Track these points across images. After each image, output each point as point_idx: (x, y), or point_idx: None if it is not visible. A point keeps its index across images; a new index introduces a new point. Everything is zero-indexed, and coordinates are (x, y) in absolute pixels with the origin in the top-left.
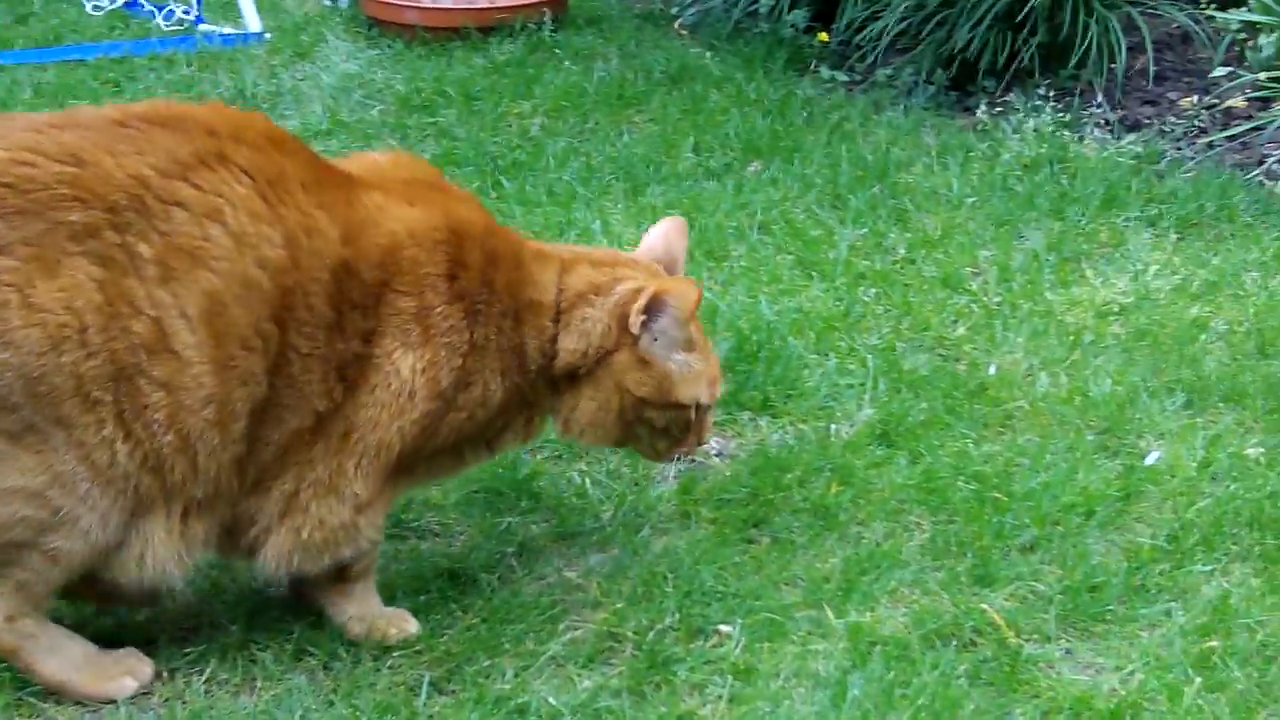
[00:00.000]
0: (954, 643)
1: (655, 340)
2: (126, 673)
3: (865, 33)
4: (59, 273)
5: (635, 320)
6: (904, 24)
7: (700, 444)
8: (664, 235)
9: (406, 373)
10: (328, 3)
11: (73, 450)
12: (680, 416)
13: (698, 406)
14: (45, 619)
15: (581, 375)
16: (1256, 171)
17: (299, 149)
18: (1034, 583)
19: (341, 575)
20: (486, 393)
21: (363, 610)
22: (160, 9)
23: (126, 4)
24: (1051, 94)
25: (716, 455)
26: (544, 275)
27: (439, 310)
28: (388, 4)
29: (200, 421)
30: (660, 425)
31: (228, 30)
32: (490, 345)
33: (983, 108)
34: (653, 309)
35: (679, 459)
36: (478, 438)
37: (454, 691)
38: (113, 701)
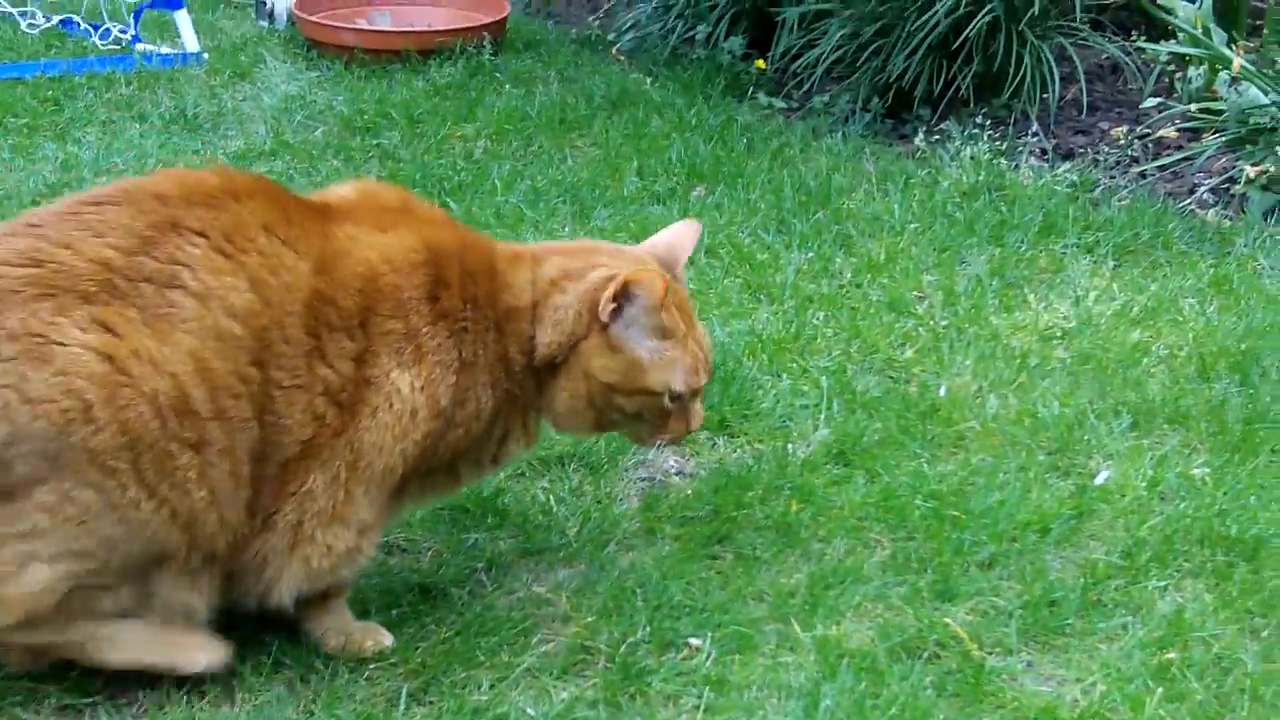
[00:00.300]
0: (920, 655)
1: (627, 328)
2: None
3: (802, 60)
4: (51, 357)
5: (605, 308)
6: (839, 52)
7: (690, 431)
8: (673, 234)
9: (406, 390)
10: (264, 24)
11: (109, 512)
12: (653, 403)
13: (673, 394)
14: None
15: (558, 365)
16: (1188, 200)
17: (261, 192)
18: (994, 598)
19: (325, 592)
20: (479, 407)
21: (339, 624)
22: (96, 28)
23: (62, 22)
24: (987, 123)
25: (676, 474)
26: (518, 279)
27: (425, 331)
28: (326, 26)
29: (220, 474)
30: (632, 411)
31: (165, 50)
32: (479, 360)
33: (920, 136)
34: (622, 296)
35: (665, 446)
36: (474, 453)
37: (432, 702)
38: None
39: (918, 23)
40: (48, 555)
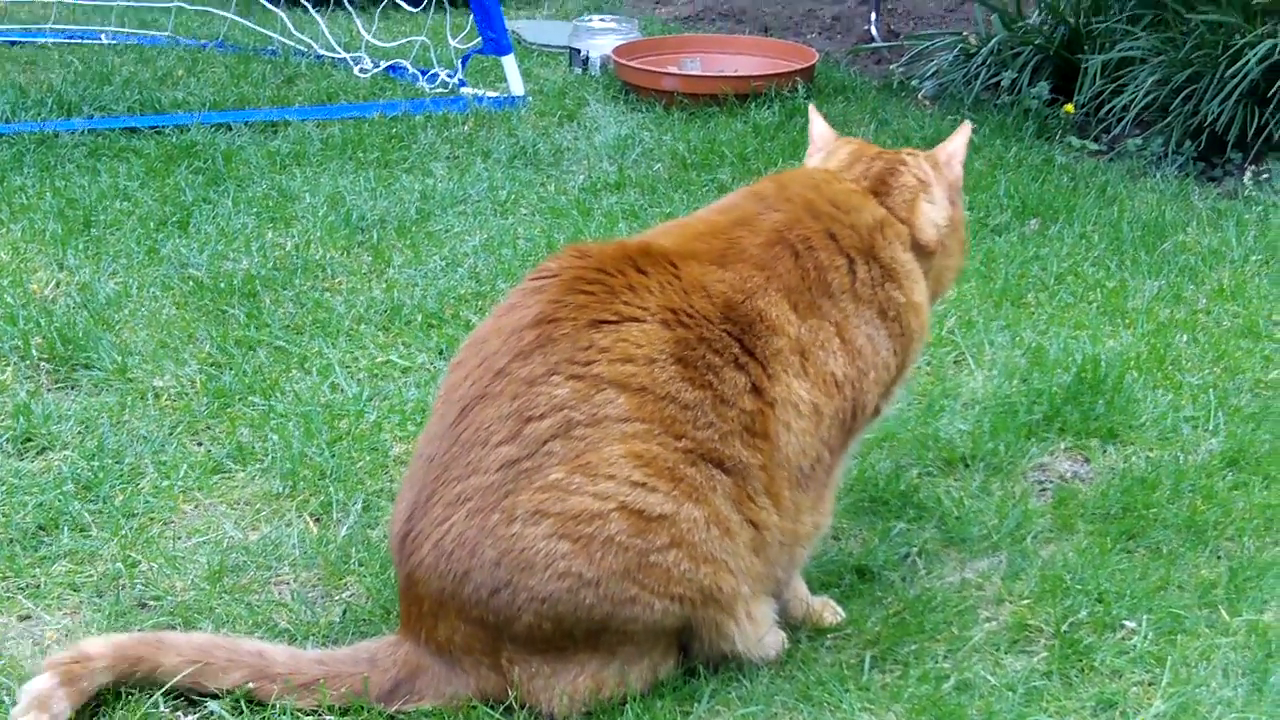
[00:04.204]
0: None
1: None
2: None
3: (1110, 105)
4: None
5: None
6: (1149, 97)
7: None
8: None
9: (807, 395)
10: (578, 70)
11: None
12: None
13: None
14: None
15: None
16: None
17: (629, 255)
18: None
19: None
20: (874, 345)
21: (801, 594)
22: (424, 73)
23: (389, 68)
24: None
25: (1073, 476)
26: (865, 207)
27: (803, 331)
28: (648, 71)
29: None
30: None
31: (492, 94)
32: (852, 307)
33: (1248, 176)
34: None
35: None
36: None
37: (892, 670)
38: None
39: (1230, 70)
40: None
